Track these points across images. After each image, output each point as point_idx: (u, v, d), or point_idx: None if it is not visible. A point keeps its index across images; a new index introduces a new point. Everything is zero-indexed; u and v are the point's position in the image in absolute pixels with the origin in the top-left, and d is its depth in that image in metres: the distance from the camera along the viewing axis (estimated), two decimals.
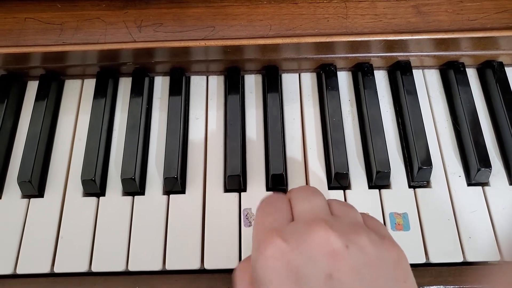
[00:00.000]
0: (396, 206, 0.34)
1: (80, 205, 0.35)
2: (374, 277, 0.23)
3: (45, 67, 0.39)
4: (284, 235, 0.24)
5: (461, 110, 0.38)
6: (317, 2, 0.38)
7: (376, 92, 0.38)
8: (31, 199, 0.35)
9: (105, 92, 0.39)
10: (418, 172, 0.35)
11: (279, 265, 0.23)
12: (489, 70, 0.40)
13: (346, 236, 0.23)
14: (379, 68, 0.41)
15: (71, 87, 0.41)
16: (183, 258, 0.33)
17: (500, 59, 0.40)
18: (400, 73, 0.39)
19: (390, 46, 0.38)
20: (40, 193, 0.36)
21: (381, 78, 0.41)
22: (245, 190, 0.35)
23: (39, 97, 0.39)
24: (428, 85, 0.40)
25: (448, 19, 0.37)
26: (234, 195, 0.35)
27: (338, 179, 0.35)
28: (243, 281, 0.26)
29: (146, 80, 0.40)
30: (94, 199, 0.35)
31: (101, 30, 0.37)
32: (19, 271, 0.33)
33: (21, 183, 0.34)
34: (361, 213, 0.28)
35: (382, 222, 0.34)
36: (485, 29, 0.37)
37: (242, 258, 0.33)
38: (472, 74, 0.41)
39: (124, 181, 0.34)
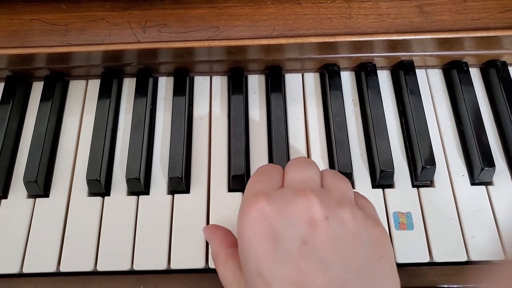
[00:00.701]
0: (399, 206, 0.34)
1: (85, 205, 0.35)
2: (349, 250, 0.24)
3: (50, 68, 0.39)
4: (269, 199, 0.25)
5: (464, 109, 0.38)
6: (320, 2, 0.38)
7: (380, 92, 0.39)
8: (37, 199, 0.35)
9: (109, 93, 0.39)
10: (422, 172, 0.35)
11: (260, 226, 0.24)
12: (493, 70, 0.40)
13: (329, 209, 0.24)
14: (382, 68, 0.41)
15: (76, 88, 0.41)
16: (188, 258, 0.33)
17: (503, 59, 0.40)
18: (403, 73, 0.39)
19: (393, 46, 0.38)
20: (45, 193, 0.36)
21: (384, 78, 0.41)
22: None
23: (44, 97, 0.39)
24: (431, 84, 0.40)
25: (451, 19, 0.37)
26: (238, 194, 0.35)
27: None
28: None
29: (150, 80, 0.40)
30: (99, 198, 0.35)
31: (106, 31, 0.37)
32: (26, 270, 0.33)
33: (27, 183, 0.35)
34: (354, 192, 0.28)
35: (386, 222, 0.34)
36: (488, 28, 0.37)
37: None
38: (475, 74, 0.41)
39: (129, 180, 0.35)
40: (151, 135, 0.38)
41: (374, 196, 0.35)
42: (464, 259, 0.33)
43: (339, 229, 0.24)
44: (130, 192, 0.36)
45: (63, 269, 0.33)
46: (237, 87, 0.39)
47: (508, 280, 0.27)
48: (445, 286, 0.32)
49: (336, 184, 0.27)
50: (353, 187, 0.36)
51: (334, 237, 0.23)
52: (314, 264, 0.23)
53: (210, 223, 0.34)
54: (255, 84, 0.41)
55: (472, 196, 0.35)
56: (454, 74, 0.40)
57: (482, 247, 0.33)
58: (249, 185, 0.28)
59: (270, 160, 0.37)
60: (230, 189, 0.36)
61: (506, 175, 0.36)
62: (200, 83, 0.41)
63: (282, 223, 0.24)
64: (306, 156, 0.37)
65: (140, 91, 0.39)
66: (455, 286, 0.32)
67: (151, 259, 0.33)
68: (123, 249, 0.33)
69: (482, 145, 0.36)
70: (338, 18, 0.37)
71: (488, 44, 0.38)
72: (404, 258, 0.32)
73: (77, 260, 0.33)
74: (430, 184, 0.36)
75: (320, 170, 0.29)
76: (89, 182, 0.35)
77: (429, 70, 0.41)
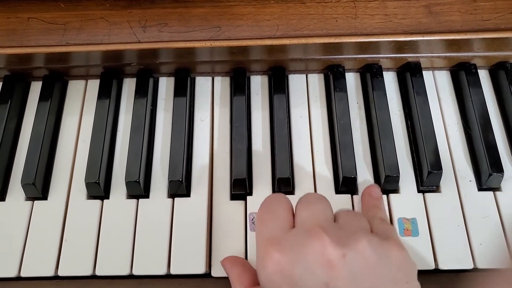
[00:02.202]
0: (404, 211, 0.34)
1: (84, 208, 0.34)
2: (373, 280, 0.23)
3: (49, 67, 0.39)
4: (281, 247, 0.24)
5: (472, 112, 0.37)
6: (325, 2, 0.37)
7: (385, 94, 0.38)
8: (35, 202, 0.35)
9: (109, 93, 0.38)
10: (428, 177, 0.34)
11: (279, 279, 0.24)
12: (502, 72, 0.39)
13: (344, 244, 0.24)
14: (388, 69, 0.40)
15: (75, 88, 0.40)
16: (188, 263, 0.32)
17: None
18: (410, 75, 0.38)
19: (400, 47, 0.37)
20: (44, 196, 0.35)
21: (390, 80, 0.40)
22: (251, 194, 0.35)
23: (42, 97, 0.38)
24: (438, 87, 0.39)
25: (460, 19, 0.36)
26: (240, 201, 0.34)
27: (346, 183, 0.34)
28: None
29: (151, 81, 0.39)
30: (98, 201, 0.35)
31: (105, 30, 0.36)
32: (23, 274, 0.32)
33: (25, 185, 0.34)
34: (375, 219, 0.27)
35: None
36: (499, 29, 0.36)
37: (249, 262, 0.32)
38: (484, 76, 0.40)
39: (129, 184, 0.34)
40: (151, 137, 0.38)
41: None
42: (471, 266, 0.32)
43: (359, 262, 0.23)
44: (130, 195, 0.35)
45: (61, 273, 0.32)
46: (239, 88, 0.38)
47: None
48: None
49: (350, 219, 0.27)
50: (357, 193, 0.35)
51: (355, 272, 0.23)
52: None
53: (212, 228, 0.33)
54: (258, 85, 0.40)
55: (479, 202, 0.34)
56: (462, 76, 0.39)
57: (489, 254, 0.32)
58: (258, 227, 0.27)
59: (273, 163, 0.36)
60: (232, 193, 0.35)
61: None
62: (202, 84, 0.40)
63: (300, 271, 0.23)
64: (311, 159, 0.36)
65: (140, 91, 0.38)
66: None
67: (150, 263, 0.32)
68: (122, 253, 0.33)
69: (490, 149, 0.35)
70: (343, 18, 0.36)
71: (498, 45, 0.37)
72: None
73: (76, 264, 0.32)
74: (436, 189, 0.35)
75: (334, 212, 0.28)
76: (88, 185, 0.34)
77: (436, 72, 0.40)
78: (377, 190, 0.33)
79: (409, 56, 0.38)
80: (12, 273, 0.32)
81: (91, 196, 0.35)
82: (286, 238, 0.25)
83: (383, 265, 0.24)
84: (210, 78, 0.40)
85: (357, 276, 0.23)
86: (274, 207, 0.28)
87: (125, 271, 0.32)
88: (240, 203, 0.34)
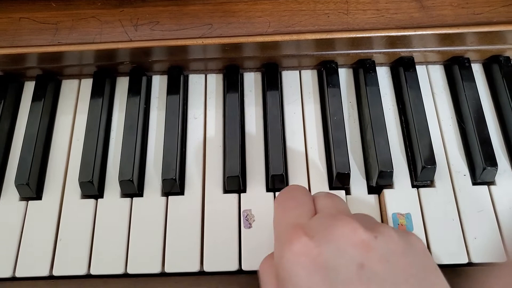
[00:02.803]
0: (399, 206, 0.34)
1: (78, 207, 0.34)
2: (406, 264, 0.23)
3: (42, 67, 0.39)
4: (309, 231, 0.24)
5: (466, 106, 0.37)
6: None
7: (379, 89, 0.38)
8: (29, 202, 0.35)
9: (102, 92, 0.38)
10: (422, 172, 0.34)
11: (307, 261, 0.23)
12: (496, 65, 0.39)
13: (372, 227, 0.24)
14: (381, 64, 0.40)
15: (68, 87, 0.40)
16: (183, 261, 0.32)
17: (507, 54, 0.38)
18: (403, 69, 0.38)
19: (393, 42, 0.37)
20: (38, 196, 0.35)
21: (383, 75, 0.40)
22: (244, 191, 0.35)
23: (36, 97, 0.38)
24: (432, 81, 0.39)
25: (452, 14, 0.36)
26: (234, 196, 0.34)
27: (340, 179, 0.34)
28: (270, 275, 0.26)
29: (144, 79, 0.39)
30: (92, 201, 0.35)
31: (97, 29, 0.36)
32: (18, 274, 0.32)
33: (18, 185, 0.34)
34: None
35: (385, 223, 0.33)
36: (491, 23, 0.35)
37: (242, 260, 0.32)
38: (477, 70, 0.39)
39: (122, 183, 0.34)
40: (145, 135, 0.38)
41: (373, 196, 0.34)
42: (465, 261, 0.32)
43: (390, 245, 0.23)
44: (124, 194, 0.35)
45: (56, 273, 0.32)
46: (232, 85, 0.38)
47: (510, 283, 0.26)
48: None
49: (364, 214, 0.27)
50: (351, 188, 0.35)
51: (389, 255, 0.23)
52: (378, 287, 0.22)
53: (205, 225, 0.33)
54: (251, 82, 0.40)
55: (474, 196, 0.34)
56: (456, 70, 0.39)
57: (483, 248, 0.32)
58: (279, 214, 0.27)
59: (267, 160, 0.36)
60: (226, 190, 0.35)
61: (509, 174, 0.35)
62: (195, 81, 0.40)
63: (330, 251, 0.23)
64: (304, 155, 0.36)
65: (133, 90, 0.38)
66: None
67: (145, 262, 0.32)
68: (117, 252, 0.33)
69: (484, 143, 0.35)
70: (335, 14, 0.36)
71: (491, 39, 0.37)
72: None
73: (71, 264, 0.32)
74: (431, 184, 0.35)
75: None
76: (82, 184, 0.34)
77: (430, 66, 0.40)
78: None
79: (402, 51, 0.38)
80: (7, 273, 0.32)
81: (85, 195, 0.35)
82: (312, 223, 0.24)
83: (411, 251, 0.24)
84: (203, 76, 0.40)
85: (391, 258, 0.22)
86: (297, 194, 0.27)
87: (119, 270, 0.32)
88: (234, 196, 0.34)
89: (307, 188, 0.34)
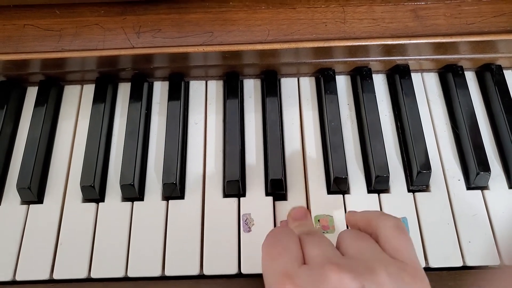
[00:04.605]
0: (395, 211, 0.34)
1: (80, 211, 0.35)
2: None
3: (45, 73, 0.39)
4: (297, 281, 0.23)
5: (460, 113, 0.38)
6: (315, 7, 0.38)
7: (375, 96, 0.38)
8: (31, 205, 0.35)
9: (104, 98, 0.39)
10: (417, 176, 0.35)
11: None
12: (488, 73, 0.40)
13: (362, 276, 0.23)
14: (377, 72, 0.41)
15: (71, 93, 0.41)
16: (182, 264, 0.33)
17: (498, 62, 0.40)
18: (399, 77, 0.39)
19: (389, 50, 0.38)
20: (39, 199, 0.36)
21: (380, 82, 0.41)
22: (244, 195, 0.35)
23: (38, 102, 0.39)
24: (427, 88, 0.40)
25: (446, 23, 0.37)
26: (233, 200, 0.35)
27: (337, 183, 0.35)
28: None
29: (145, 85, 0.40)
30: (93, 205, 0.35)
31: (100, 37, 0.37)
32: (18, 277, 0.33)
33: (20, 189, 0.35)
34: (382, 232, 0.26)
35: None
36: (483, 33, 0.37)
37: (242, 263, 0.33)
38: (471, 77, 0.41)
39: (123, 187, 0.34)
40: (146, 140, 0.38)
41: (370, 201, 0.35)
42: (460, 264, 0.33)
43: None
44: (125, 198, 0.36)
45: (56, 276, 0.33)
46: (232, 92, 0.39)
47: (507, 286, 0.26)
48: None
49: (358, 246, 0.26)
50: (348, 192, 0.36)
51: None
52: None
53: (204, 229, 0.34)
54: (251, 88, 0.41)
55: (468, 201, 0.35)
56: (450, 77, 0.40)
57: (478, 252, 0.33)
58: (266, 260, 0.26)
59: (266, 164, 0.36)
60: (225, 195, 0.35)
61: (501, 179, 0.36)
62: (196, 87, 0.41)
63: None
64: (302, 160, 0.37)
65: (135, 96, 0.39)
66: None
67: (145, 265, 0.33)
68: (117, 256, 0.33)
69: (477, 149, 0.35)
70: (332, 23, 0.37)
71: (483, 48, 0.38)
72: None
73: (71, 267, 0.33)
74: (426, 188, 0.36)
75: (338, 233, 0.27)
76: (83, 188, 0.35)
77: (424, 74, 0.41)
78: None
79: (398, 59, 0.39)
80: (8, 277, 0.33)
81: (86, 199, 0.36)
82: (300, 274, 0.24)
83: None
84: (203, 82, 0.41)
85: None
86: (283, 240, 0.26)
87: (120, 274, 0.33)
88: (234, 201, 0.35)
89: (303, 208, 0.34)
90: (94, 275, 0.33)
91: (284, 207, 0.35)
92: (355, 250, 0.25)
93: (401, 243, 0.26)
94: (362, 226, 0.28)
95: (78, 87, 0.41)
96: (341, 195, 0.35)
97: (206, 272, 0.32)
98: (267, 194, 0.35)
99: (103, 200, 0.35)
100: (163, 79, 0.41)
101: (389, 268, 0.23)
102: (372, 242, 0.26)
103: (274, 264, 0.25)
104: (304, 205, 0.35)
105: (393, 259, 0.24)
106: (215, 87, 0.41)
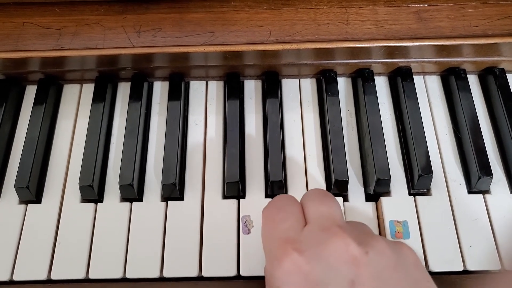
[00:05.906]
0: (396, 214, 0.34)
1: (78, 211, 0.35)
2: (397, 279, 0.23)
3: (44, 71, 0.39)
4: (299, 246, 0.23)
5: (462, 116, 0.37)
6: (317, 8, 0.37)
7: (377, 98, 0.38)
8: (29, 205, 0.35)
9: (103, 97, 0.38)
10: (419, 180, 0.34)
11: (298, 279, 0.22)
12: (491, 77, 0.39)
13: (365, 242, 0.23)
14: (379, 74, 0.41)
15: (70, 92, 0.40)
16: (181, 265, 0.32)
17: (501, 66, 0.39)
18: (401, 79, 0.39)
19: (391, 52, 0.37)
20: (37, 199, 0.35)
21: (381, 84, 0.40)
22: (244, 197, 0.35)
23: (37, 101, 0.38)
24: (429, 91, 0.40)
25: (449, 26, 0.37)
26: (233, 201, 0.35)
27: (338, 186, 0.35)
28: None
29: (145, 85, 0.40)
30: (92, 205, 0.35)
31: (100, 35, 0.37)
32: (16, 278, 0.32)
33: (18, 189, 0.34)
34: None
35: (382, 231, 0.34)
36: (486, 35, 0.36)
37: (241, 265, 0.32)
38: (473, 81, 0.40)
39: (122, 187, 0.34)
40: (145, 140, 0.38)
41: (370, 204, 0.35)
42: (461, 268, 0.32)
43: (381, 261, 0.23)
44: (124, 199, 0.35)
45: (54, 276, 0.32)
46: (233, 92, 0.39)
47: None
48: None
49: (355, 221, 0.26)
50: (349, 195, 0.35)
51: (380, 270, 0.22)
52: None
53: (204, 231, 0.33)
54: (252, 89, 0.40)
55: (469, 205, 0.34)
56: (452, 80, 0.39)
57: (479, 256, 0.33)
58: (268, 225, 0.26)
59: (266, 166, 0.36)
60: (225, 196, 0.35)
61: (503, 183, 0.36)
62: (196, 88, 0.40)
63: (321, 268, 0.22)
64: (303, 163, 0.37)
65: (135, 95, 0.39)
66: None
67: (144, 267, 0.32)
68: (115, 257, 0.33)
69: (479, 153, 0.35)
70: (335, 24, 0.36)
71: (487, 51, 0.37)
72: None
73: (69, 268, 0.32)
74: (427, 192, 0.35)
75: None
76: (82, 188, 0.34)
77: (427, 77, 0.41)
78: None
79: (400, 61, 0.39)
80: (5, 277, 0.32)
81: (85, 199, 0.35)
82: (302, 237, 0.24)
83: (403, 265, 0.23)
84: (204, 82, 0.41)
85: (381, 274, 0.22)
86: (286, 206, 0.26)
87: (118, 275, 0.32)
88: (233, 202, 0.34)
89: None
90: (92, 276, 0.32)
91: None
92: (354, 223, 0.26)
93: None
94: None
95: (78, 86, 0.41)
96: (342, 198, 0.35)
97: (205, 274, 0.32)
98: (267, 196, 0.35)
99: (101, 201, 0.35)
100: (163, 79, 0.41)
101: (386, 239, 0.24)
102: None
103: (276, 230, 0.25)
104: None
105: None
106: (216, 88, 0.40)
